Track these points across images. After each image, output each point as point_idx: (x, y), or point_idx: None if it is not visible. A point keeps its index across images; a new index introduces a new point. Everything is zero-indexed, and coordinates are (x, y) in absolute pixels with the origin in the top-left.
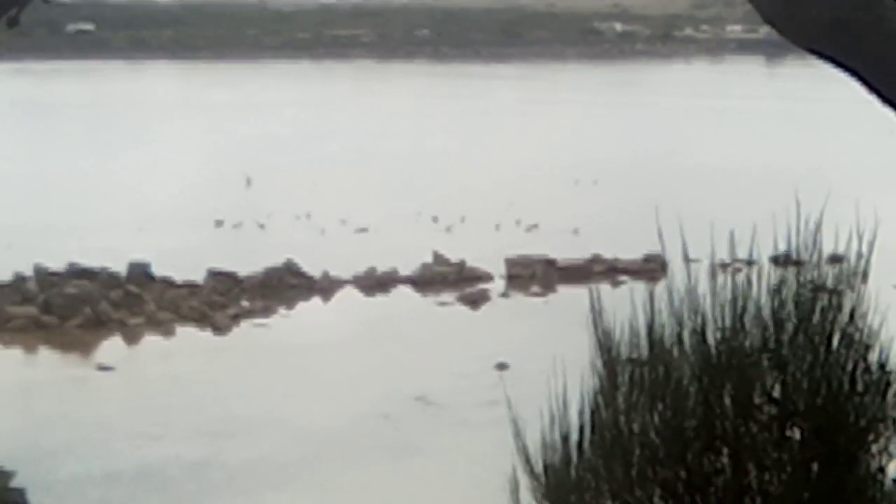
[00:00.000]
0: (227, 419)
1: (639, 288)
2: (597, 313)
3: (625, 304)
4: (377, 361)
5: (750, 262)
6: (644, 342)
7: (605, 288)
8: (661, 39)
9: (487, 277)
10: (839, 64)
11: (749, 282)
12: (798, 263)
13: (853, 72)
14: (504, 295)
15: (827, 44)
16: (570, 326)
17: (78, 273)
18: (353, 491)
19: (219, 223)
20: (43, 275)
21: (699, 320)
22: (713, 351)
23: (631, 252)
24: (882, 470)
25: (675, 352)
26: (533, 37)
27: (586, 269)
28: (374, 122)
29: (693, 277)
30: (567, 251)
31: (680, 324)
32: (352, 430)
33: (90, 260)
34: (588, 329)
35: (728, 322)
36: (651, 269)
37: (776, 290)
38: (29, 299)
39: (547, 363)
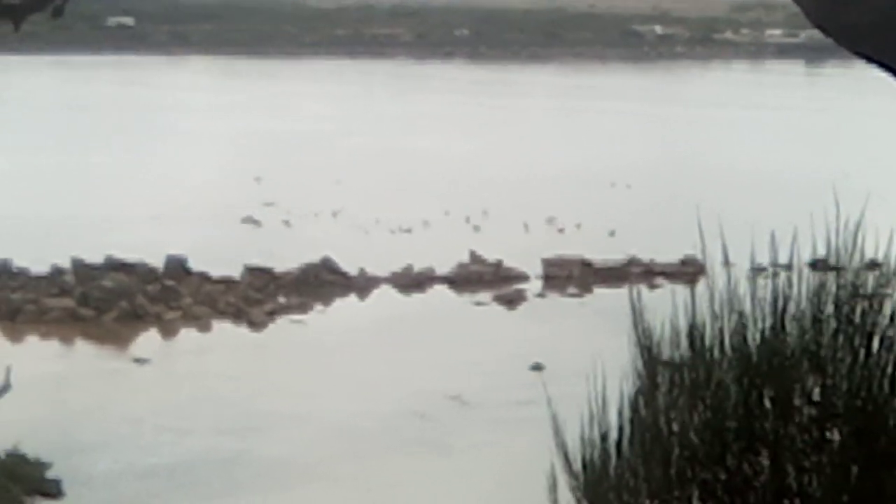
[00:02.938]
0: (261, 415)
1: (677, 290)
2: (638, 313)
3: (662, 307)
4: (412, 360)
5: (787, 266)
6: (685, 343)
7: (641, 290)
8: (701, 42)
9: (524, 277)
10: (884, 66)
11: (790, 284)
12: (834, 269)
13: None
14: (540, 295)
15: (871, 46)
16: (606, 328)
17: (115, 266)
18: (385, 488)
19: (248, 219)
20: (80, 267)
21: (740, 322)
22: (753, 352)
23: (667, 255)
24: None
25: (716, 353)
26: (572, 38)
27: (623, 271)
28: (408, 122)
29: (734, 279)
30: (603, 253)
31: (721, 325)
32: (386, 427)
33: (125, 252)
34: (629, 329)
35: (769, 324)
36: (688, 271)
37: (817, 293)
38: (66, 292)
39: (582, 364)
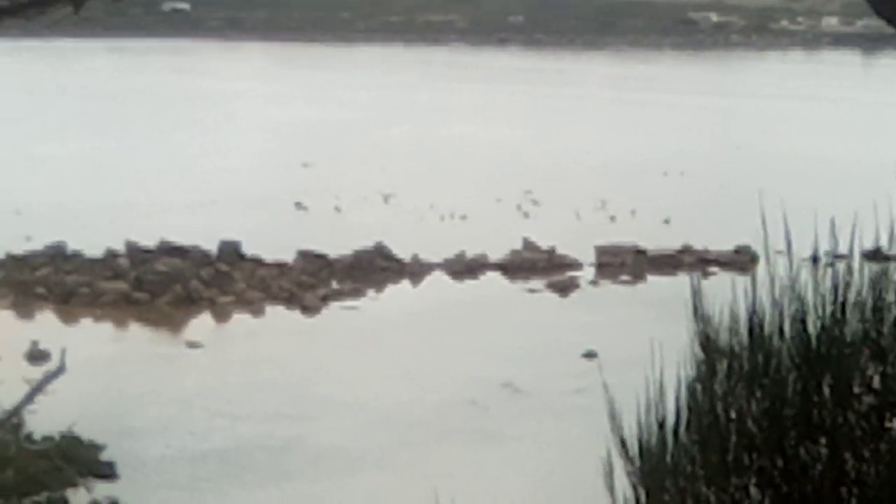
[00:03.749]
0: (313, 401)
1: (732, 278)
2: (698, 298)
3: (716, 295)
4: (464, 346)
5: (841, 256)
6: (744, 329)
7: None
8: (756, 31)
9: (577, 265)
10: None
11: (850, 272)
12: (889, 259)
13: None
14: (593, 283)
15: None
16: (658, 316)
17: (169, 250)
18: (437, 476)
19: (299, 205)
20: (134, 251)
21: (800, 309)
22: (813, 340)
23: (719, 244)
24: None
25: (775, 340)
26: (627, 26)
27: (676, 260)
28: (460, 110)
29: (795, 267)
30: (655, 241)
31: (781, 312)
32: (438, 414)
33: (179, 236)
34: (682, 316)
35: (829, 312)
36: (741, 260)
37: (878, 281)
38: (120, 275)
39: (635, 352)
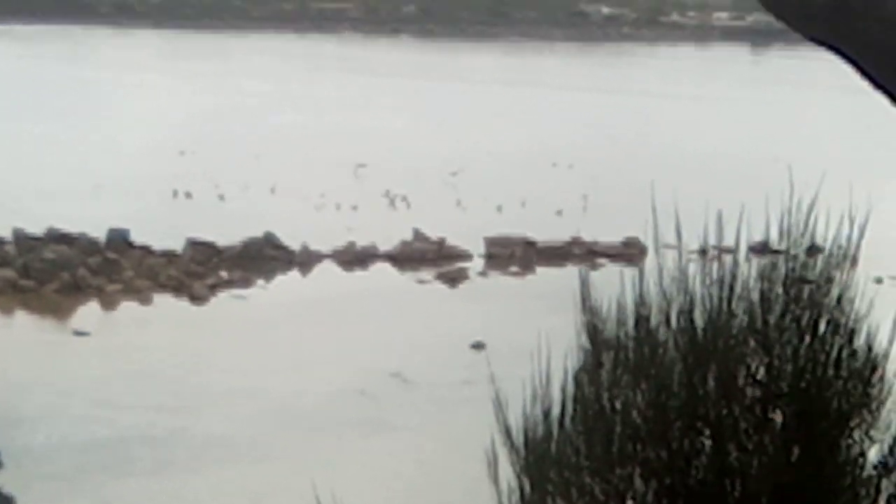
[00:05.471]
0: (199, 391)
1: (620, 270)
2: (585, 289)
3: (604, 286)
4: (354, 337)
5: (726, 250)
6: (631, 321)
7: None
8: (647, 24)
9: (466, 256)
10: (837, 51)
11: (737, 265)
12: (775, 252)
13: (851, 59)
14: (482, 274)
15: (826, 29)
16: (547, 307)
17: (57, 238)
18: (325, 467)
19: (186, 194)
20: (22, 238)
21: (688, 301)
22: (700, 332)
23: (607, 236)
24: (863, 455)
25: (662, 331)
26: (519, 17)
27: (565, 251)
28: (349, 100)
29: (683, 258)
30: (544, 233)
31: (668, 304)
32: (326, 405)
33: (65, 224)
34: (571, 307)
35: (716, 304)
36: (630, 252)
37: (766, 274)
38: (7, 263)
39: (523, 343)
